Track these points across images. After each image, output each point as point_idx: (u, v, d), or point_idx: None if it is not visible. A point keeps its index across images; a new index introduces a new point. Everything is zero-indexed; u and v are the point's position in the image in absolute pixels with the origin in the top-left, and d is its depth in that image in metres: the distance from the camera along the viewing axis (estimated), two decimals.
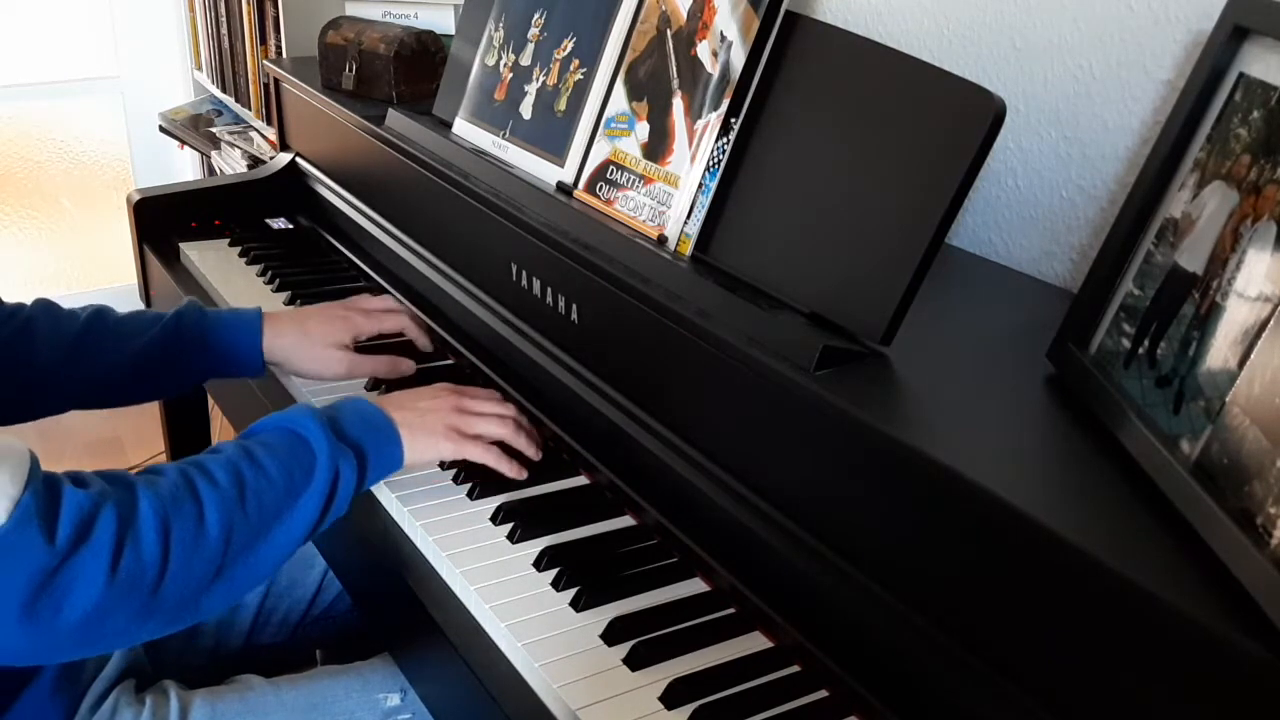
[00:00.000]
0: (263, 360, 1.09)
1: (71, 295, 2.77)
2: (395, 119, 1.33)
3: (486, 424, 0.97)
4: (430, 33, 1.52)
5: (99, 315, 1.07)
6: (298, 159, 1.62)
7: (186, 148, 2.56)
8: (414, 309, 1.29)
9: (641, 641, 0.81)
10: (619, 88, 1.04)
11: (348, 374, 1.12)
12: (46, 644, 0.71)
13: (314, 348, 1.09)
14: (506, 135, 1.18)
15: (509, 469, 0.98)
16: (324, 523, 0.83)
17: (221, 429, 2.10)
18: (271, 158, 1.70)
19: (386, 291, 1.36)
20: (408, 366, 1.16)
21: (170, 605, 0.74)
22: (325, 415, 0.86)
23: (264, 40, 2.11)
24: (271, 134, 2.01)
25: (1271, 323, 0.60)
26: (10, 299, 1.06)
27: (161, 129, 2.52)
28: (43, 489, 0.70)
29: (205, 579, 0.75)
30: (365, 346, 1.17)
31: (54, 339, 1.03)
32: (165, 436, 1.73)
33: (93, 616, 0.70)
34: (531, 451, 1.00)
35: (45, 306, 1.06)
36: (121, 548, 0.71)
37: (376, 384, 1.16)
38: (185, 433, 1.71)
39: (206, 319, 1.08)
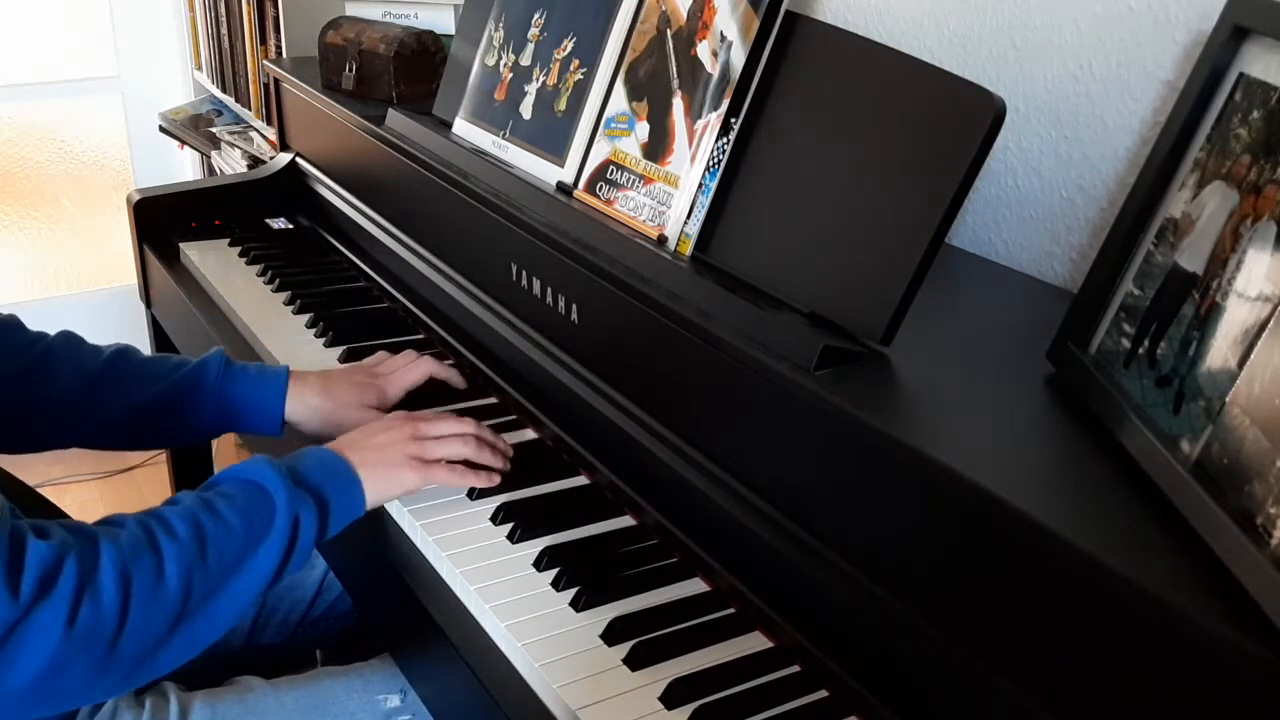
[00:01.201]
0: (282, 421, 1.06)
1: (71, 295, 2.77)
2: (395, 119, 1.33)
3: (447, 446, 0.96)
4: (430, 33, 1.52)
5: (121, 354, 1.05)
6: (298, 159, 1.62)
7: (186, 148, 2.56)
8: (416, 309, 1.30)
9: (641, 641, 0.81)
10: (619, 88, 1.04)
11: None
12: (2, 702, 0.69)
13: (336, 413, 1.05)
14: (506, 135, 1.18)
15: (478, 480, 0.97)
16: (286, 571, 0.82)
17: (222, 437, 2.09)
18: (271, 158, 1.70)
19: (388, 293, 1.36)
20: None
21: (128, 659, 0.73)
22: (284, 465, 0.85)
23: (264, 40, 2.11)
24: (271, 134, 2.01)
25: (1271, 323, 0.60)
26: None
27: (161, 129, 2.52)
28: (7, 540, 0.69)
29: (164, 631, 0.74)
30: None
31: (73, 372, 1.01)
32: None
33: (48, 672, 0.69)
34: (499, 463, 0.99)
35: (67, 339, 1.04)
36: (80, 600, 0.70)
37: None
38: None
39: (230, 372, 1.05)
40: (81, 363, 1.02)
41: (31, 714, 0.73)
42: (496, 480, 0.98)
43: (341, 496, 0.87)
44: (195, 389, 1.04)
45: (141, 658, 0.74)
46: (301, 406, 1.05)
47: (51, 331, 1.05)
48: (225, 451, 2.19)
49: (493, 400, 1.14)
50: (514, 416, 1.11)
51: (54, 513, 1.09)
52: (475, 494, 0.97)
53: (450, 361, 1.20)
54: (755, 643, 0.83)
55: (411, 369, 1.11)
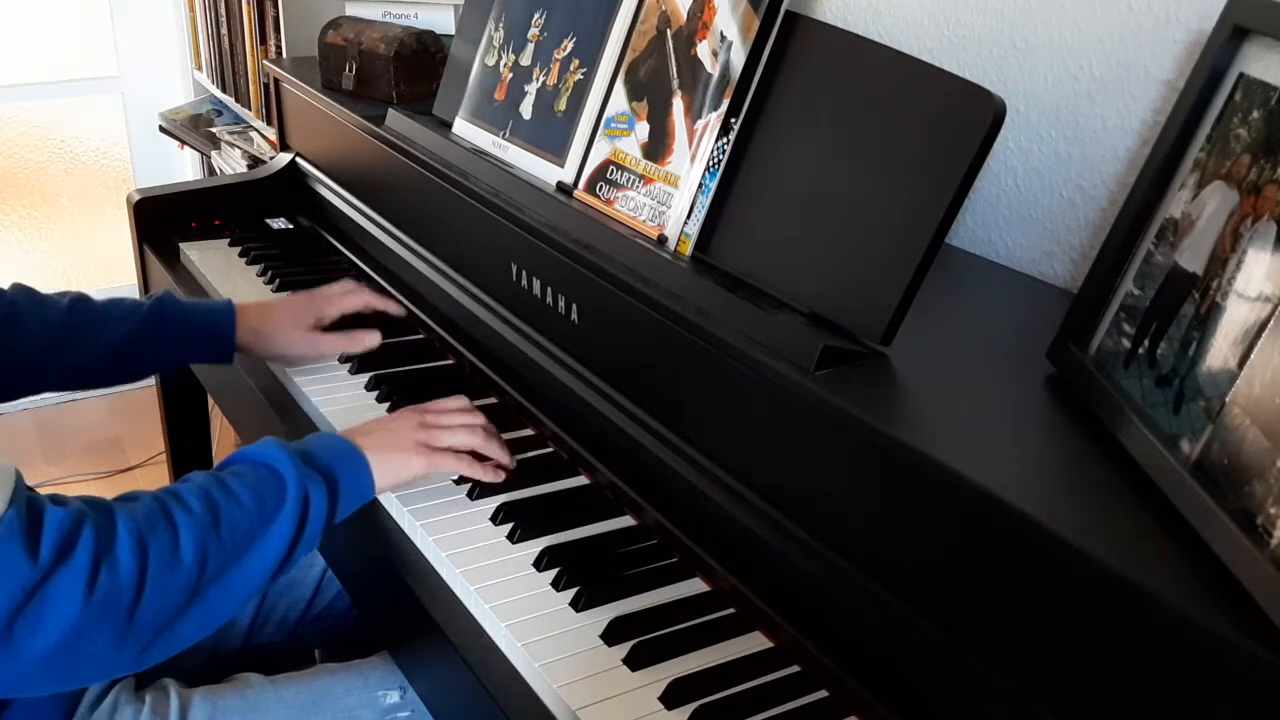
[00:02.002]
0: (234, 347, 1.15)
1: None
2: (395, 119, 1.33)
3: (455, 435, 0.97)
4: (430, 33, 1.52)
5: (80, 301, 1.11)
6: (298, 159, 1.62)
7: (186, 148, 2.56)
8: (416, 309, 1.30)
9: (641, 641, 0.81)
10: (619, 88, 1.04)
11: (314, 351, 1.19)
12: (25, 671, 0.70)
13: (280, 332, 1.16)
14: (506, 135, 1.18)
15: (485, 474, 0.97)
16: (298, 550, 0.82)
17: (222, 429, 2.10)
18: (271, 158, 1.70)
19: (388, 293, 1.36)
20: (371, 339, 1.19)
21: (147, 629, 0.73)
22: (294, 446, 0.87)
23: (264, 40, 2.11)
24: (271, 134, 2.01)
25: (1271, 323, 0.60)
26: None
27: (161, 129, 2.52)
28: (25, 507, 0.69)
29: (180, 602, 0.75)
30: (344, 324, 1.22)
31: (38, 324, 1.06)
32: (165, 437, 1.73)
33: (70, 639, 0.69)
34: (505, 458, 1.00)
35: (26, 292, 1.08)
36: (99, 567, 0.70)
37: (349, 360, 1.21)
38: (185, 434, 1.71)
39: (184, 309, 1.14)
40: (45, 311, 1.07)
41: (52, 685, 0.74)
42: (502, 476, 0.98)
43: (350, 477, 0.88)
44: (155, 329, 1.12)
45: (159, 629, 0.74)
46: (246, 332, 1.16)
47: None
48: (225, 451, 2.19)
49: (493, 400, 1.14)
50: (514, 416, 1.11)
51: None
52: (475, 494, 0.97)
53: (418, 337, 1.20)
54: (755, 643, 0.83)
55: (349, 297, 1.23)
